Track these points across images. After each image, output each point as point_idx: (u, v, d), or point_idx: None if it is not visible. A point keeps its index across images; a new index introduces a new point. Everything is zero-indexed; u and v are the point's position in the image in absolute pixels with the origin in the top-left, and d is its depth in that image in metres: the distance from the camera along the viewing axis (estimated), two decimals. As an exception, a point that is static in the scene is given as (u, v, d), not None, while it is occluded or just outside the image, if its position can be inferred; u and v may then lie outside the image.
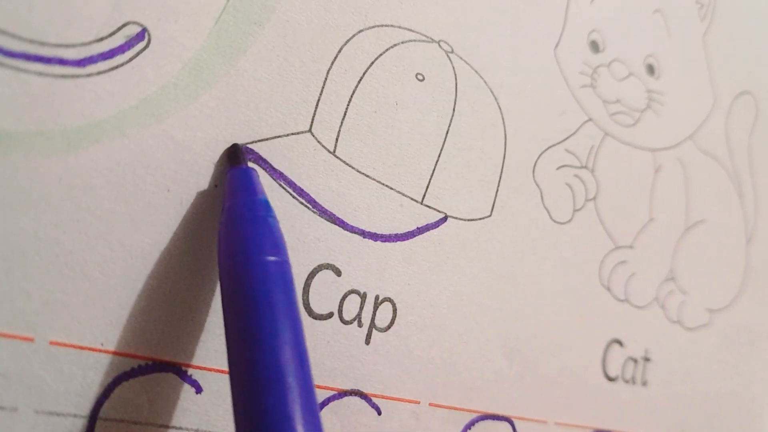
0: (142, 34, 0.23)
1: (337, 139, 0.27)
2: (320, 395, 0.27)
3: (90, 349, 0.23)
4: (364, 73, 0.27)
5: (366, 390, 0.28)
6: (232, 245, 0.22)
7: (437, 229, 0.29)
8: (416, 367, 0.29)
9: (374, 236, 0.28)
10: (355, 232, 0.27)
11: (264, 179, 0.25)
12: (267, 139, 0.25)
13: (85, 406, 0.23)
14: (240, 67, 0.25)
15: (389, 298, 0.28)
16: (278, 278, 0.21)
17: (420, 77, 0.28)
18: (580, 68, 0.32)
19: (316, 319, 0.27)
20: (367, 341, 0.28)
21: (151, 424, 0.24)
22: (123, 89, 0.23)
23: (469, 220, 0.30)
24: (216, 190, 0.25)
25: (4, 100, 0.22)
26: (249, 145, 0.25)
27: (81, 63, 0.23)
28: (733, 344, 0.37)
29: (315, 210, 0.26)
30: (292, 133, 0.26)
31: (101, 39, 0.23)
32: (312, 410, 0.20)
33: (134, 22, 0.23)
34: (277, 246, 0.22)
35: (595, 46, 0.33)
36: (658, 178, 0.35)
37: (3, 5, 0.21)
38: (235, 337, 0.21)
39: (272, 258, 0.21)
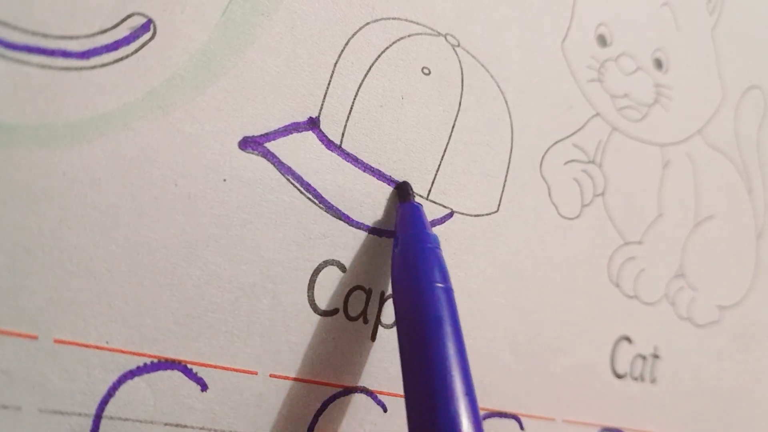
0: (148, 26, 0.23)
1: (343, 134, 0.27)
2: (326, 392, 0.27)
3: (95, 347, 0.23)
4: (370, 67, 0.27)
5: (372, 387, 0.28)
6: (406, 272, 0.25)
7: (443, 224, 0.29)
8: (423, 365, 0.29)
9: (379, 232, 0.27)
10: (360, 228, 0.27)
11: (273, 174, 0.25)
12: (275, 132, 0.25)
13: (90, 405, 0.23)
14: (248, 58, 0.25)
15: (395, 295, 0.28)
16: (445, 302, 0.25)
17: (426, 71, 0.28)
18: (588, 62, 0.32)
19: (321, 315, 0.26)
20: (373, 338, 0.28)
21: (156, 422, 0.24)
22: (128, 82, 0.23)
23: (475, 215, 0.30)
24: (224, 184, 0.24)
25: (7, 94, 0.21)
26: (257, 138, 0.25)
27: (85, 55, 0.22)
28: (744, 341, 0.37)
29: (321, 205, 0.26)
30: (300, 127, 0.26)
31: (105, 31, 0.23)
32: (476, 415, 0.23)
33: (139, 13, 0.23)
34: (444, 274, 0.25)
35: (602, 40, 0.32)
36: (667, 173, 0.34)
37: (5, -4, 0.21)
38: (408, 349, 0.24)
39: (440, 285, 0.25)
